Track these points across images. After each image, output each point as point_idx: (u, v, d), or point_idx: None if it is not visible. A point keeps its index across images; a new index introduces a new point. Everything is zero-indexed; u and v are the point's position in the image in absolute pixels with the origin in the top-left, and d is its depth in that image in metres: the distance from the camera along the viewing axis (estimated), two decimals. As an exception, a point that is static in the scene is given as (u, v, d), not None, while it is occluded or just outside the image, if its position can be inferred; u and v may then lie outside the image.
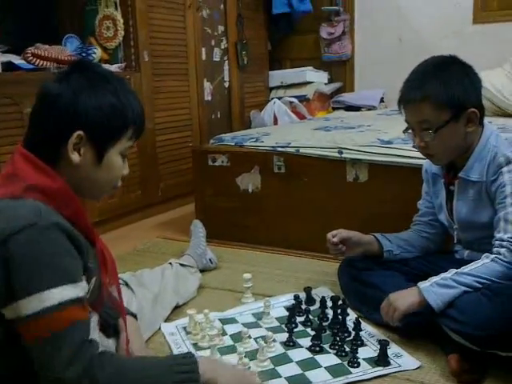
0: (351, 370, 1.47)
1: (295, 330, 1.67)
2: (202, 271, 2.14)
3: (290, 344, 1.61)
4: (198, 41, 3.49)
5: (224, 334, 1.68)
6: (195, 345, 1.63)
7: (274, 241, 2.52)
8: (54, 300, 0.99)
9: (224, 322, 1.76)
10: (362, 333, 1.61)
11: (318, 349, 1.57)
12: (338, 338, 1.58)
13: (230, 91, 3.96)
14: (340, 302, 1.75)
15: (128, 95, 1.16)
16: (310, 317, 1.75)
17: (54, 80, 1.13)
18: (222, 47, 3.84)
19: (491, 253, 1.48)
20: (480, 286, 1.43)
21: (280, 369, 1.48)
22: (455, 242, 1.73)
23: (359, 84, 4.46)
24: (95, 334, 1.24)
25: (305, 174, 2.45)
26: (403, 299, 1.50)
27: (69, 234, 1.05)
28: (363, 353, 1.53)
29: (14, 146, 2.21)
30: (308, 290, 1.89)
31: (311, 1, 4.26)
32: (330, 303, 1.77)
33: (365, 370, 1.46)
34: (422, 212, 1.85)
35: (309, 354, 1.55)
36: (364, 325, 1.67)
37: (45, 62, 2.55)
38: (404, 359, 1.51)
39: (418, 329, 1.58)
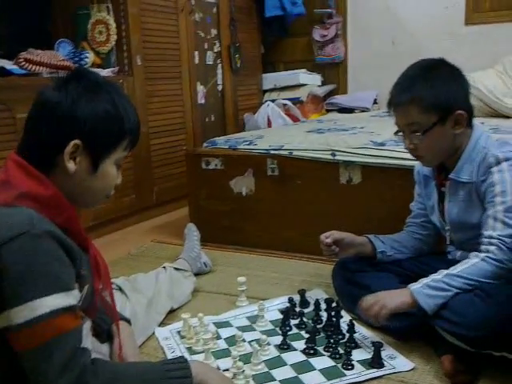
0: (345, 372, 1.47)
1: (289, 332, 1.68)
2: (196, 275, 2.14)
3: (284, 347, 1.61)
4: (190, 44, 3.50)
5: (218, 337, 1.68)
6: (189, 349, 1.63)
7: (268, 243, 2.53)
8: (46, 308, 0.99)
9: (218, 325, 1.76)
10: (356, 335, 1.62)
11: (312, 351, 1.57)
12: (332, 341, 1.59)
13: (223, 94, 3.97)
14: (334, 304, 1.75)
15: (126, 105, 1.16)
16: (304, 319, 1.76)
17: (53, 88, 1.13)
18: (215, 50, 3.85)
19: (480, 251, 1.49)
20: (470, 287, 1.43)
21: (274, 372, 1.48)
22: (448, 242, 1.74)
23: (352, 86, 4.48)
24: (88, 339, 1.24)
25: (298, 176, 2.45)
26: (392, 298, 1.50)
27: (61, 242, 1.05)
28: (357, 355, 1.53)
29: (6, 151, 2.22)
30: (302, 293, 1.90)
31: (304, 3, 4.27)
32: (324, 305, 1.78)
33: (359, 372, 1.46)
34: (414, 214, 1.86)
35: (303, 357, 1.55)
36: (358, 327, 1.67)
37: (37, 67, 2.54)
38: (398, 361, 1.51)
39: (412, 330, 1.58)
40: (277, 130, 3.25)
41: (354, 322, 1.65)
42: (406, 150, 1.66)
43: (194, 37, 3.56)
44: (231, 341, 1.64)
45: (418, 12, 4.15)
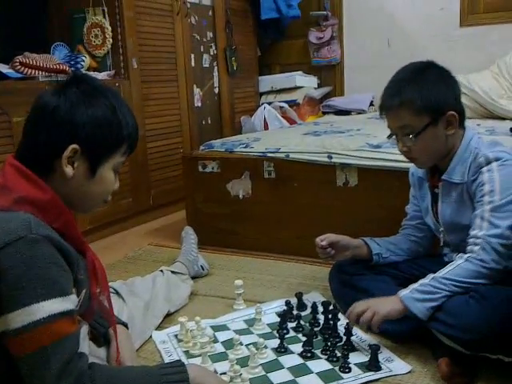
0: (342, 375, 1.47)
1: (286, 336, 1.68)
2: (193, 278, 2.14)
3: (281, 350, 1.61)
4: (186, 47, 3.50)
5: (215, 341, 1.68)
6: (186, 352, 1.63)
7: (265, 246, 2.53)
8: (44, 313, 0.99)
9: (215, 329, 1.76)
10: (353, 338, 1.62)
11: (309, 354, 1.57)
12: (329, 344, 1.59)
13: (219, 97, 3.97)
14: (331, 307, 1.75)
15: (124, 111, 1.16)
16: (302, 322, 1.76)
17: (51, 92, 1.13)
18: (211, 53, 3.85)
19: (465, 251, 1.50)
20: (458, 289, 1.44)
21: (271, 375, 1.48)
22: (441, 244, 1.75)
23: (349, 88, 4.49)
24: (85, 343, 1.24)
25: (295, 179, 2.45)
26: (384, 305, 1.51)
27: (59, 247, 1.05)
28: (354, 358, 1.53)
29: (2, 155, 2.21)
30: (299, 296, 1.90)
31: (299, 6, 4.28)
32: (321, 308, 1.78)
33: (356, 375, 1.46)
34: (409, 216, 1.86)
35: (300, 360, 1.55)
36: (355, 330, 1.67)
37: (33, 71, 2.54)
38: (395, 364, 1.51)
39: (409, 333, 1.58)
40: (273, 133, 3.25)
41: (351, 324, 1.65)
42: (401, 153, 1.66)
43: (190, 40, 3.56)
44: (228, 344, 1.64)
45: (413, 14, 4.17)
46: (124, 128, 1.15)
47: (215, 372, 1.48)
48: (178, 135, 3.43)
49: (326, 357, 1.56)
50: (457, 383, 1.40)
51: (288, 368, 1.52)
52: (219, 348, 1.65)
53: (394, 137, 1.63)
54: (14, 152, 1.15)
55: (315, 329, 1.71)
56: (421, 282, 1.49)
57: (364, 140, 2.47)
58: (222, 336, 1.71)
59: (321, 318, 1.76)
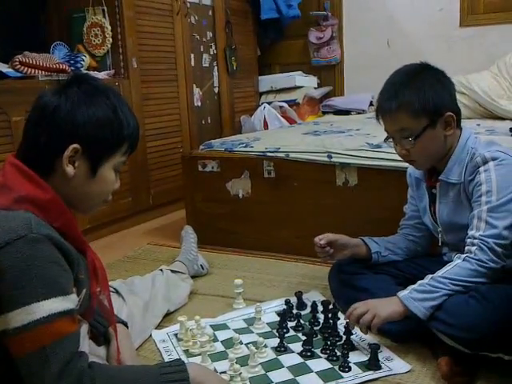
0: (342, 374, 1.47)
1: (286, 335, 1.68)
2: (193, 277, 2.14)
3: (281, 349, 1.61)
4: (186, 47, 3.50)
5: (215, 340, 1.68)
6: (186, 351, 1.63)
7: (264, 246, 2.53)
8: (43, 312, 0.99)
9: (215, 328, 1.76)
10: (352, 337, 1.61)
11: (309, 354, 1.57)
12: (329, 343, 1.59)
13: (219, 97, 3.97)
14: (331, 307, 1.75)
15: (125, 110, 1.17)
16: (301, 321, 1.76)
17: (52, 92, 1.13)
18: (211, 53, 3.85)
19: (463, 251, 1.50)
20: (457, 288, 1.45)
21: (271, 374, 1.48)
22: (439, 244, 1.75)
23: (348, 88, 4.49)
24: (85, 342, 1.24)
25: (295, 178, 2.45)
26: (383, 307, 1.51)
27: (59, 246, 1.05)
28: (354, 357, 1.53)
29: (2, 154, 2.22)
30: (299, 295, 1.90)
31: (299, 6, 4.28)
32: (321, 307, 1.78)
33: (356, 374, 1.46)
34: (408, 216, 1.87)
35: (300, 359, 1.55)
36: (355, 329, 1.67)
37: (33, 70, 2.54)
38: (395, 363, 1.51)
39: (409, 333, 1.58)
40: (273, 132, 3.25)
41: (351, 326, 1.65)
42: (401, 152, 1.66)
43: (190, 39, 3.56)
44: (228, 343, 1.64)
45: (413, 14, 4.17)
46: (125, 128, 1.16)
47: (215, 371, 1.48)
48: (177, 135, 3.44)
49: (326, 356, 1.56)
50: (457, 382, 1.40)
51: (288, 367, 1.52)
52: (219, 347, 1.64)
53: (390, 140, 1.63)
54: (13, 151, 1.15)
55: (315, 328, 1.71)
56: (420, 282, 1.50)
57: (364, 140, 2.47)
58: (222, 335, 1.71)
59: (320, 317, 1.76)
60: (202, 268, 2.24)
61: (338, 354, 1.54)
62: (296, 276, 2.22)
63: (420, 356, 1.55)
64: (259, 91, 4.46)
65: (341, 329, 1.66)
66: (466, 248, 1.50)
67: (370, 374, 1.46)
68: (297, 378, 1.46)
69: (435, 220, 1.71)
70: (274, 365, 1.53)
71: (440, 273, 1.49)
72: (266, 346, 1.59)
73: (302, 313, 1.81)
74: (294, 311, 1.82)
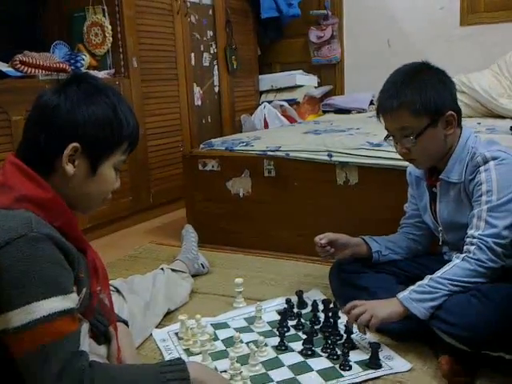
0: (343, 373, 1.47)
1: (287, 333, 1.68)
2: (193, 276, 2.14)
3: (281, 348, 1.61)
4: (186, 46, 3.50)
5: (216, 339, 1.68)
6: (187, 350, 1.63)
7: (265, 245, 2.53)
8: (43, 312, 0.98)
9: (216, 326, 1.76)
10: (353, 336, 1.61)
11: (309, 352, 1.57)
12: (329, 342, 1.59)
13: (220, 96, 3.97)
14: (331, 305, 1.75)
15: (125, 109, 1.17)
16: (302, 320, 1.75)
17: (52, 91, 1.13)
18: (211, 52, 3.85)
19: (462, 251, 1.50)
20: (456, 288, 1.45)
21: (272, 373, 1.48)
22: (440, 243, 1.75)
23: (349, 87, 4.49)
24: (86, 341, 1.23)
25: (295, 177, 2.45)
26: (382, 308, 1.51)
27: (60, 246, 1.05)
28: (355, 356, 1.53)
29: (1, 154, 2.21)
30: (299, 294, 1.90)
31: (299, 5, 4.28)
32: (321, 306, 1.77)
33: (356, 373, 1.46)
34: (408, 214, 1.87)
35: (300, 358, 1.55)
36: (355, 328, 1.67)
37: (33, 70, 2.54)
38: (395, 362, 1.51)
39: (410, 331, 1.58)
40: (273, 132, 3.25)
41: (349, 323, 1.65)
42: (401, 151, 1.66)
43: (190, 39, 3.56)
44: (229, 342, 1.64)
45: (413, 13, 4.16)
46: (124, 126, 1.16)
47: (215, 370, 1.48)
48: (178, 134, 3.43)
49: (327, 355, 1.56)
50: (458, 381, 1.40)
51: (288, 366, 1.52)
52: (219, 346, 1.64)
53: (390, 139, 1.63)
54: (13, 150, 1.15)
55: (315, 327, 1.71)
56: (419, 283, 1.50)
57: (364, 139, 2.47)
58: (223, 334, 1.71)
59: (321, 316, 1.76)
60: (203, 267, 2.24)
61: (339, 352, 1.54)
62: (296, 275, 2.22)
63: (421, 355, 1.55)
64: (259, 90, 4.45)
65: (341, 327, 1.66)
66: (465, 247, 1.50)
67: (371, 373, 1.46)
68: (297, 377, 1.46)
69: (436, 219, 1.71)
70: (274, 363, 1.53)
71: (439, 273, 1.49)
72: (266, 345, 1.59)
73: (303, 312, 1.81)
74: (295, 310, 1.82)
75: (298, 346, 1.61)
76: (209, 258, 2.32)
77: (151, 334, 1.73)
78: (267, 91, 4.45)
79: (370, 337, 1.62)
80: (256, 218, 2.57)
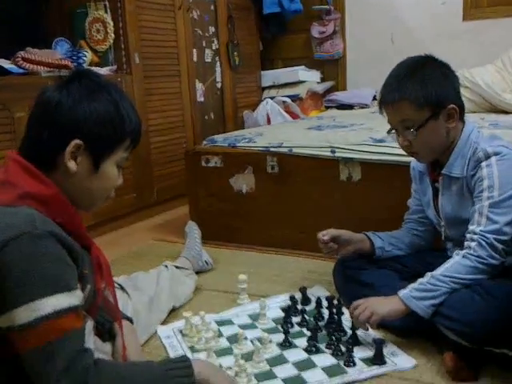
0: (347, 369, 1.47)
1: (291, 330, 1.68)
2: (197, 273, 2.14)
3: (286, 345, 1.61)
4: (188, 42, 3.49)
5: (220, 335, 1.68)
6: (191, 347, 1.63)
7: (268, 241, 2.52)
8: (48, 309, 0.98)
9: (220, 323, 1.76)
10: (357, 332, 1.61)
11: (313, 349, 1.57)
12: (333, 338, 1.59)
13: (222, 92, 3.96)
14: (335, 302, 1.75)
15: (127, 106, 1.17)
16: (306, 317, 1.75)
17: (54, 88, 1.13)
18: (214, 48, 3.84)
19: (463, 247, 1.50)
20: (457, 285, 1.45)
21: (276, 369, 1.49)
22: (442, 238, 1.75)
23: (351, 82, 4.47)
24: (90, 338, 1.23)
25: (298, 173, 2.45)
26: (383, 305, 1.51)
27: (63, 242, 1.05)
28: (359, 352, 1.54)
29: (4, 151, 2.21)
30: (303, 290, 1.90)
31: (301, 0, 4.27)
32: (325, 303, 1.77)
33: (361, 370, 1.46)
34: (411, 210, 1.86)
35: (305, 355, 1.55)
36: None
37: (35, 66, 2.54)
38: (400, 358, 1.51)
39: (414, 328, 1.58)
40: (276, 127, 3.24)
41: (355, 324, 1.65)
42: (404, 147, 1.66)
43: (192, 35, 3.55)
44: (233, 339, 1.64)
45: (415, 8, 4.14)
46: (126, 123, 1.16)
47: (220, 367, 1.48)
48: (180, 130, 3.43)
49: (331, 351, 1.56)
50: (462, 377, 1.40)
51: (293, 362, 1.52)
52: (224, 343, 1.65)
53: (393, 132, 1.63)
54: (15, 147, 1.15)
55: (320, 323, 1.71)
56: (420, 280, 1.50)
57: (367, 134, 2.46)
58: (227, 331, 1.71)
59: (325, 312, 1.76)
60: (207, 264, 2.24)
61: (343, 349, 1.54)
62: (300, 271, 2.22)
63: (425, 351, 1.55)
64: (262, 86, 4.44)
65: (346, 324, 1.66)
66: (466, 243, 1.49)
67: (375, 369, 1.47)
68: (302, 374, 1.46)
69: (438, 214, 1.71)
70: (278, 360, 1.53)
71: (439, 271, 1.48)
72: (270, 342, 1.59)
73: (307, 308, 1.81)
74: (299, 307, 1.82)
75: (302, 342, 1.61)
76: (212, 255, 2.32)
77: (156, 331, 1.73)
78: (270, 87, 4.44)
79: (374, 333, 1.63)
80: (259, 214, 2.57)
